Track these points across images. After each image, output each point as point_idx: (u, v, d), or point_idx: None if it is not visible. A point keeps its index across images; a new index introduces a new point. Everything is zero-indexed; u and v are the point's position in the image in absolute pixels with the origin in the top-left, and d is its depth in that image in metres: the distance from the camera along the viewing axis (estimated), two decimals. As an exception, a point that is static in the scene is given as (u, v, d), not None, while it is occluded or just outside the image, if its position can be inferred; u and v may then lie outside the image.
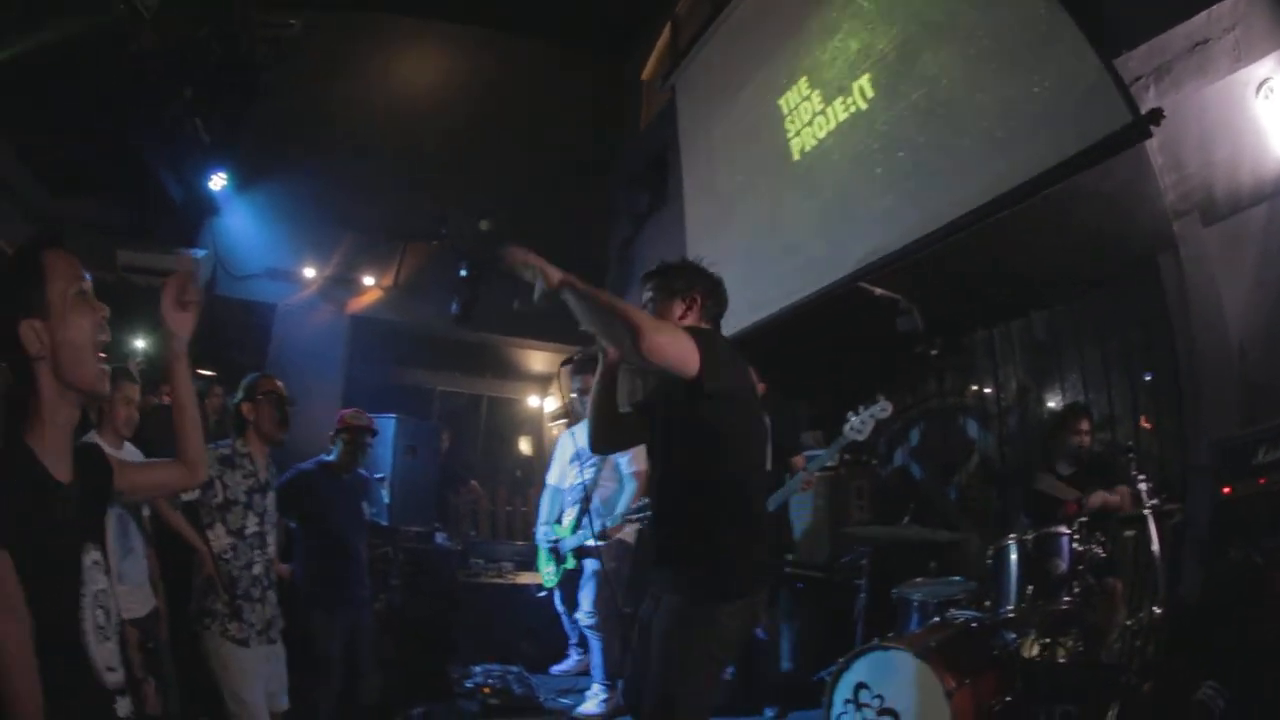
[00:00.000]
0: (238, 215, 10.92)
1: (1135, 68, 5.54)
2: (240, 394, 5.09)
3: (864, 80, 7.53)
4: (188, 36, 8.04)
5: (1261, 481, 4.98)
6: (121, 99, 7.98)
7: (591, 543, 7.34)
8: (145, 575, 5.37)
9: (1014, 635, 5.44)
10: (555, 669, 8.42)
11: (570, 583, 7.81)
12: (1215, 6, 5.09)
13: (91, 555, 2.26)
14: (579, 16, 12.46)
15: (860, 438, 6.05)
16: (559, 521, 7.93)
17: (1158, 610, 5.33)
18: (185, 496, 4.79)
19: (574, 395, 7.43)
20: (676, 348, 3.42)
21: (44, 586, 2.06)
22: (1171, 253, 6.53)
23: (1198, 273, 6.34)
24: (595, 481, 7.54)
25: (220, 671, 4.55)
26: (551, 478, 8.29)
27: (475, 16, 12.48)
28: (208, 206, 10.59)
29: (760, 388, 4.70)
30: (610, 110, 13.38)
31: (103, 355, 2.37)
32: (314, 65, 11.11)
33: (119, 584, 4.65)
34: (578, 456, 7.63)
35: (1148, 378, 7.13)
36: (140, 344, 9.68)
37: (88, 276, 2.38)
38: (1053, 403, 7.97)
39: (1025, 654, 5.45)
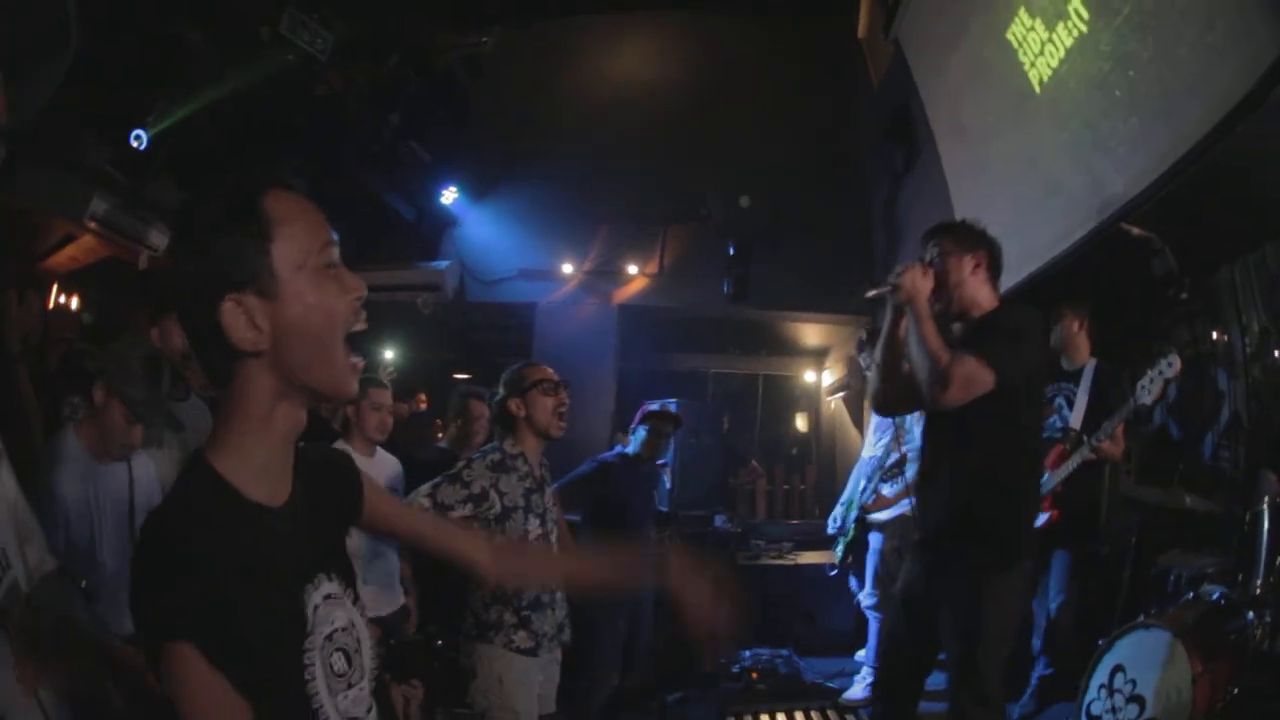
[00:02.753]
0: (478, 225, 11.38)
1: None
2: (502, 390, 4.73)
3: (1076, 2, 7.12)
4: (377, 70, 8.41)
5: None
6: (327, 137, 8.42)
7: (873, 515, 7.42)
8: (394, 576, 5.60)
9: (1253, 616, 4.95)
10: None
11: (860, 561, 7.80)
12: None
13: (322, 590, 1.74)
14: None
15: (1150, 400, 5.87)
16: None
17: None
18: (454, 515, 4.34)
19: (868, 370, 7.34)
20: (970, 388, 3.66)
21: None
22: None
23: None
24: (886, 451, 7.52)
25: (494, 683, 4.39)
26: (865, 451, 8.10)
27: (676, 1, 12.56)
28: (444, 220, 11.11)
29: None
30: (836, 73, 13.05)
31: (355, 356, 1.77)
32: (526, 72, 11.40)
33: (362, 586, 4.95)
34: (877, 427, 7.68)
35: None
36: (389, 354, 10.24)
37: (335, 236, 1.78)
38: None
39: (1259, 637, 4.95)
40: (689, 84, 12.06)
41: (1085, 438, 5.98)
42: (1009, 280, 7.54)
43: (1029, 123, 8.18)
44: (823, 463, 12.71)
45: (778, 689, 7.28)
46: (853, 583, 8.04)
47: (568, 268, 11.47)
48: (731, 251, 11.29)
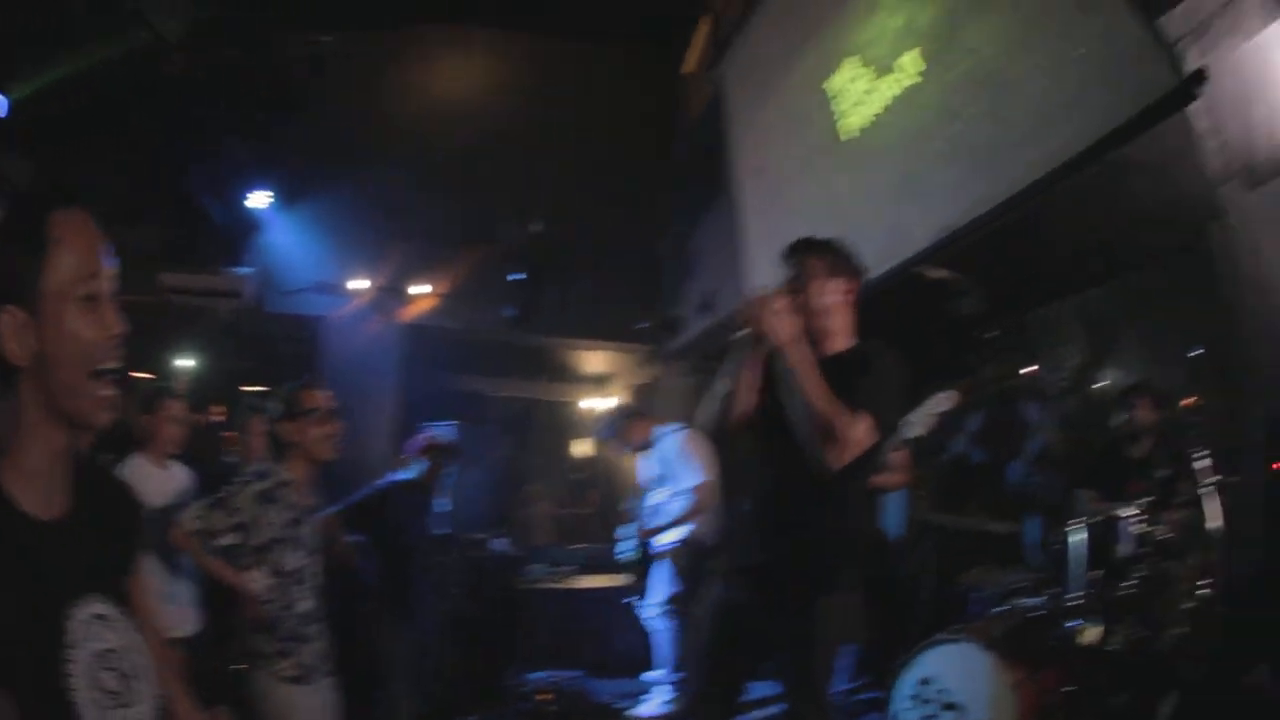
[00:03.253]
0: (282, 232, 10.99)
1: (1175, 28, 5.34)
2: (278, 410, 4.47)
3: (909, 56, 7.41)
4: (220, 59, 8.15)
5: None
6: (158, 125, 8.11)
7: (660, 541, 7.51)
8: (192, 596, 5.29)
9: (1078, 622, 5.21)
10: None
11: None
12: None
13: (90, 609, 1.69)
14: (616, 16, 12.35)
15: (919, 433, 5.97)
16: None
17: (1218, 589, 5.26)
18: (221, 542, 4.26)
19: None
20: (860, 450, 3.52)
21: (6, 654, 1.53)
22: (1219, 221, 6.38)
23: (1244, 240, 6.18)
24: (661, 479, 7.65)
25: (273, 713, 4.18)
26: (643, 477, 8.18)
27: (511, 22, 12.48)
28: (250, 225, 10.71)
29: None
30: (655, 107, 13.31)
31: (107, 381, 1.68)
32: (353, 80, 11.21)
33: (168, 605, 4.61)
34: (651, 456, 7.80)
35: (1198, 352, 6.89)
36: (187, 363, 9.80)
37: (110, 264, 1.69)
38: (1109, 381, 7.88)
39: (1083, 642, 5.21)
40: (507, 104, 12.09)
41: None
42: None
43: (834, 169, 8.46)
44: (604, 488, 12.63)
45: (567, 710, 7.27)
46: (636, 601, 8.00)
47: (359, 283, 11.24)
48: (519, 276, 11.19)
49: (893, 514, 7.64)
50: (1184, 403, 6.91)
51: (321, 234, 11.11)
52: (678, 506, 7.34)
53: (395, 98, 11.72)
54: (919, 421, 5.85)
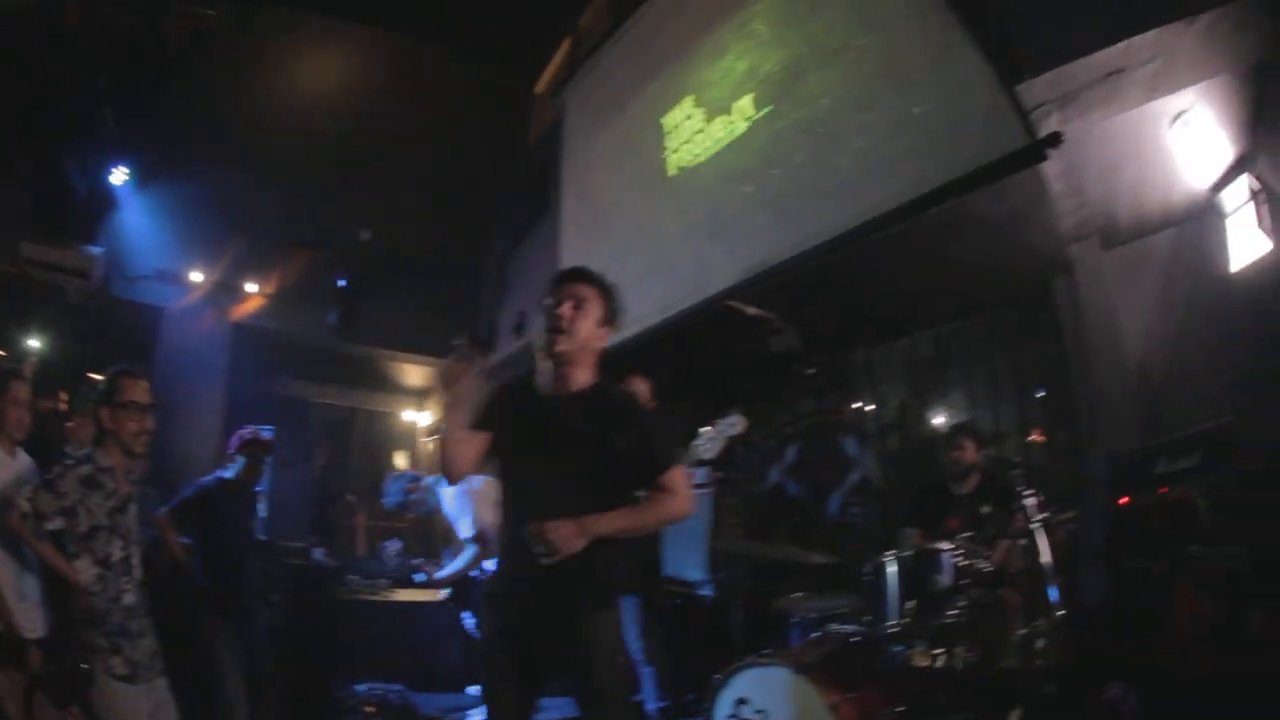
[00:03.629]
0: (134, 213, 10.70)
1: (1038, 94, 5.60)
2: (99, 398, 4.52)
3: (746, 100, 7.68)
4: (105, 19, 7.95)
5: (1163, 491, 5.23)
6: (38, 83, 7.87)
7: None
8: (41, 593, 4.95)
9: (902, 647, 5.41)
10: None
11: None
12: (1136, 37, 5.17)
13: None
14: (482, 26, 12.38)
15: (710, 455, 6.06)
16: None
17: (1058, 614, 5.55)
18: (50, 526, 4.19)
19: None
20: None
21: None
22: (1067, 276, 6.80)
23: (1095, 295, 6.62)
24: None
25: (107, 713, 4.12)
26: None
27: (381, 19, 12.38)
28: (109, 202, 10.40)
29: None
30: (502, 122, 13.40)
31: None
32: (222, 65, 10.98)
33: (19, 602, 4.44)
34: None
35: (1040, 394, 7.30)
36: (35, 343, 9.41)
37: None
38: (937, 420, 8.20)
39: (918, 664, 5.41)
40: (358, 106, 12.01)
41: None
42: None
43: (655, 203, 8.71)
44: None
45: None
46: (466, 618, 7.99)
47: (198, 276, 11.02)
48: (343, 284, 11.10)
49: (685, 536, 7.87)
50: (1029, 438, 7.35)
51: (169, 220, 10.83)
52: (460, 559, 7.39)
53: (254, 89, 11.53)
54: (708, 445, 5.76)
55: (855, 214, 6.39)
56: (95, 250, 10.12)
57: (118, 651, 4.17)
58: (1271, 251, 5.46)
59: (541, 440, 3.71)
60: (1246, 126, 5.65)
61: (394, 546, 8.07)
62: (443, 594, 8.22)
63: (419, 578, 8.05)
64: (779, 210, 7.14)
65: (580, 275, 3.99)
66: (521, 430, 3.75)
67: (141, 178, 10.48)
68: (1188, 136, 5.64)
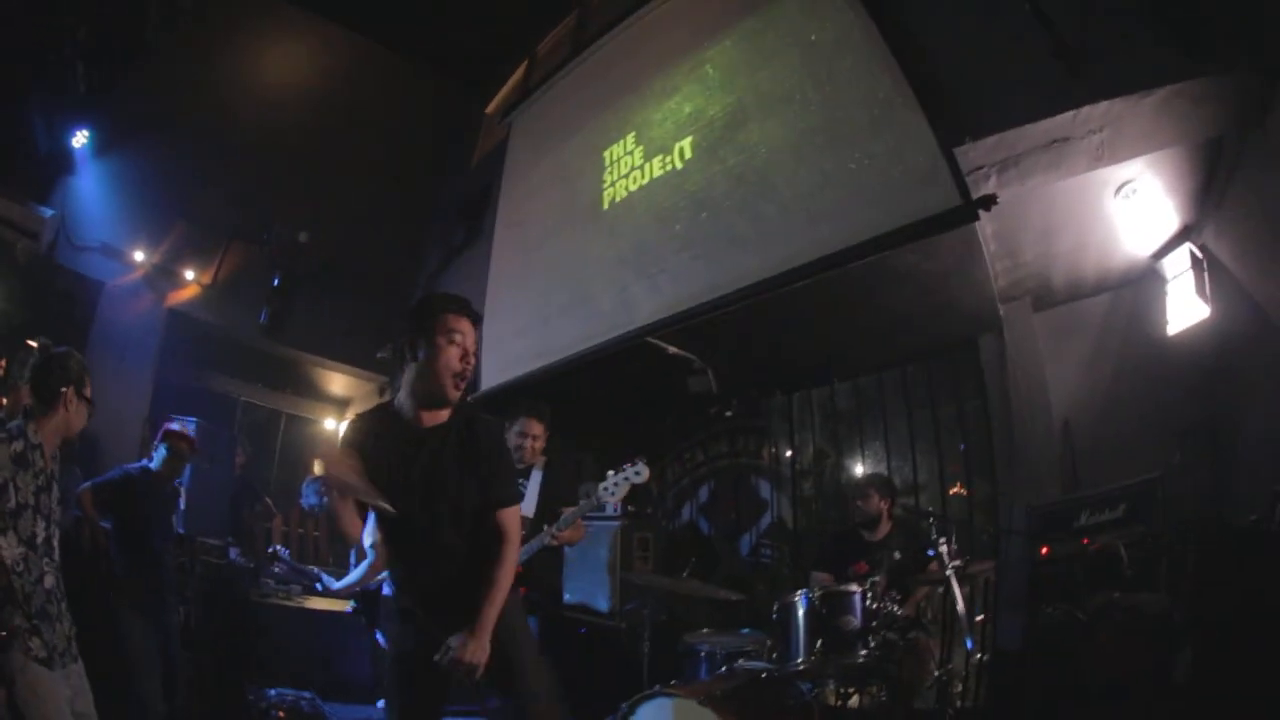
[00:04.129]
0: (89, 178, 10.48)
1: (977, 158, 5.69)
2: (65, 376, 4.40)
3: (686, 142, 7.82)
4: None
5: (1085, 541, 5.51)
6: (13, 31, 7.81)
7: None
8: None
9: (810, 685, 5.47)
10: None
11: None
12: (1086, 107, 5.25)
13: None
14: (445, 40, 12.56)
15: (612, 499, 6.12)
16: None
17: (978, 658, 5.67)
18: None
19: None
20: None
21: None
22: (995, 334, 7.02)
23: (1023, 354, 6.87)
24: None
25: (26, 696, 3.98)
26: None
27: (351, 17, 12.48)
28: (67, 163, 10.19)
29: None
30: (450, 138, 13.51)
31: None
32: (190, 43, 10.95)
33: None
34: None
35: (962, 447, 7.51)
36: None
37: None
38: (855, 468, 8.26)
39: (828, 702, 5.51)
40: (314, 103, 12.02)
41: (546, 526, 6.16)
42: (519, 368, 8.41)
43: (585, 234, 8.80)
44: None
45: None
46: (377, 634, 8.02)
47: (140, 255, 10.80)
48: (276, 282, 11.06)
49: (594, 567, 8.00)
50: (947, 489, 7.51)
51: (120, 193, 10.66)
52: (358, 569, 7.34)
53: (220, 69, 11.49)
54: (612, 489, 5.80)
55: (778, 262, 6.48)
56: (47, 212, 9.94)
57: (37, 634, 4.06)
58: (1210, 318, 5.73)
59: (415, 472, 3.76)
60: (1193, 197, 5.87)
61: (284, 552, 8.02)
62: (349, 608, 8.20)
63: (317, 587, 8.01)
64: (705, 252, 7.26)
65: (473, 315, 3.97)
66: (393, 460, 3.77)
67: (101, 144, 10.33)
68: (1132, 205, 5.83)
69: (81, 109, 9.71)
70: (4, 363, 8.01)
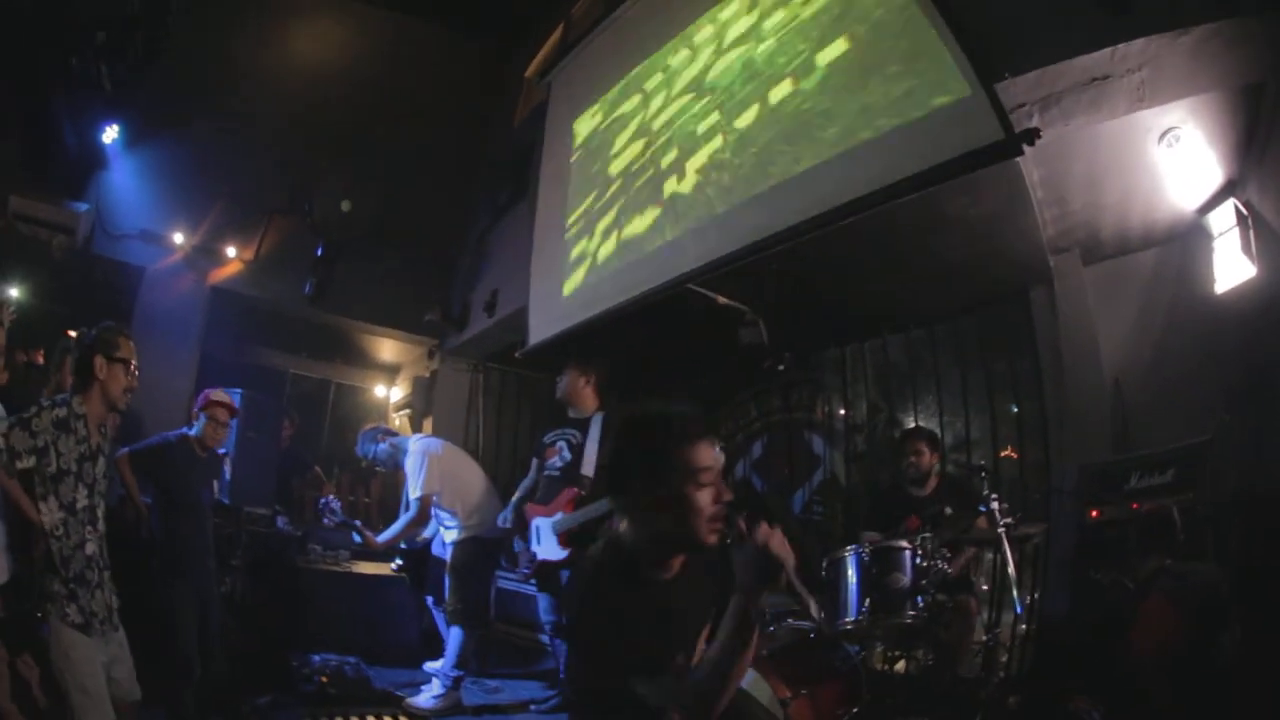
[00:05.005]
0: (122, 171, 10.51)
1: (1019, 94, 5.52)
2: (94, 345, 4.51)
3: (726, 85, 7.64)
4: None
5: (1135, 506, 5.29)
6: (35, 37, 7.84)
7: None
8: (3, 539, 4.88)
9: (858, 647, 5.35)
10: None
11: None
12: (1123, 45, 5.09)
13: None
14: (476, 6, 12.48)
15: None
16: None
17: (1022, 627, 5.53)
18: (21, 464, 4.17)
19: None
20: None
21: None
22: (1045, 286, 6.85)
23: (1073, 308, 6.66)
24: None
25: (62, 661, 4.08)
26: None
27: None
28: (98, 159, 10.21)
29: None
30: (490, 103, 13.42)
31: None
32: (216, 27, 10.96)
33: None
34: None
35: (1014, 409, 7.36)
36: (14, 293, 9.36)
37: None
38: (908, 425, 8.06)
39: (875, 665, 5.46)
40: (347, 77, 11.92)
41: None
42: (570, 319, 8.26)
43: (626, 185, 8.65)
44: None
45: (348, 694, 7.08)
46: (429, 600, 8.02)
47: (179, 237, 10.85)
48: (320, 252, 11.05)
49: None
50: (998, 448, 7.35)
51: (157, 180, 10.72)
52: (399, 521, 7.45)
53: (247, 52, 11.45)
54: None
55: (821, 202, 6.24)
56: (81, 207, 10.00)
57: (74, 599, 4.14)
58: (1256, 277, 5.49)
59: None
60: (1236, 150, 5.65)
61: (335, 504, 8.02)
62: (394, 565, 8.39)
63: (355, 538, 8.05)
64: (748, 195, 7.06)
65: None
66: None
67: (131, 137, 10.31)
68: (1176, 154, 5.60)
69: (109, 106, 9.67)
70: (42, 352, 8.11)
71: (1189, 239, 6.24)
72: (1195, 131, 5.50)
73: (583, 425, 6.89)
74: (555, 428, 7.10)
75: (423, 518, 7.29)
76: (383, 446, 7.72)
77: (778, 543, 2.65)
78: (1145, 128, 5.48)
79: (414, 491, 7.28)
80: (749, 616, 2.63)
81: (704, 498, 2.77)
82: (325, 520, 7.90)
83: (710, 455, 2.84)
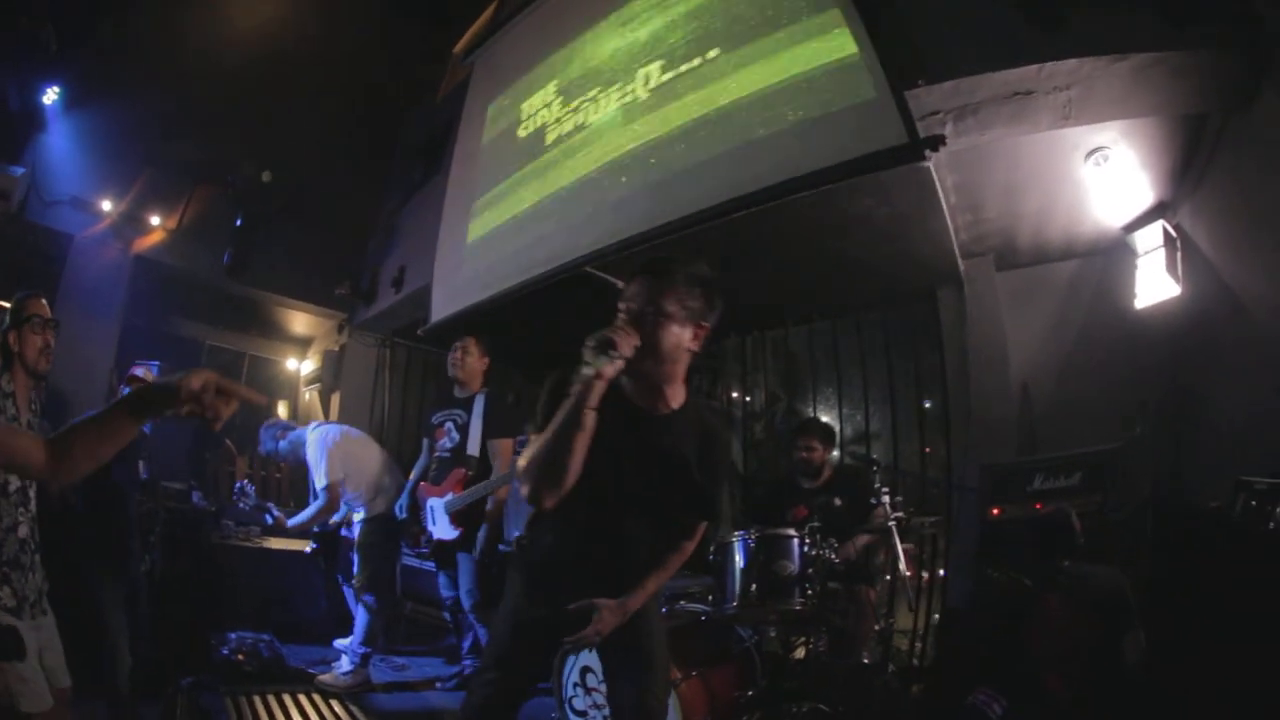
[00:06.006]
0: (59, 135, 10.42)
1: (933, 102, 5.57)
2: (6, 320, 4.43)
3: (641, 72, 7.75)
4: None
5: (1038, 506, 5.47)
6: None
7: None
8: None
9: (751, 632, 5.51)
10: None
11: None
12: (1052, 63, 5.14)
13: None
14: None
15: None
16: None
17: (934, 617, 5.76)
18: None
19: None
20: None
21: None
22: (954, 288, 7.02)
23: (983, 311, 6.86)
24: None
25: None
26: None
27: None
28: (37, 121, 10.15)
29: None
30: (415, 78, 13.40)
31: None
32: None
33: None
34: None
35: (927, 404, 7.54)
36: None
37: None
38: (807, 414, 8.26)
39: (772, 650, 5.57)
40: (276, 44, 11.74)
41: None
42: (466, 299, 8.51)
43: (533, 167, 8.81)
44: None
45: (263, 671, 7.12)
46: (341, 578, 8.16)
47: (107, 205, 10.73)
48: (239, 223, 11.09)
49: (524, 505, 8.07)
50: (898, 442, 7.54)
51: (91, 146, 10.59)
52: (309, 509, 7.49)
53: (185, 16, 11.27)
54: None
55: (722, 192, 6.37)
56: (18, 170, 9.87)
57: (7, 582, 3.98)
58: (1181, 296, 5.71)
59: (627, 453, 3.38)
60: (1170, 174, 5.83)
61: (250, 488, 8.13)
62: (308, 549, 8.37)
63: (267, 519, 8.13)
64: (650, 182, 7.22)
65: (668, 274, 3.47)
66: (613, 437, 3.30)
67: (70, 99, 10.29)
68: (1104, 172, 5.78)
69: (52, 66, 9.64)
70: None
71: (1111, 254, 6.43)
72: (1128, 152, 5.67)
73: (467, 404, 7.01)
74: (442, 408, 7.23)
75: (332, 505, 7.33)
76: (283, 444, 7.77)
77: None
78: (1072, 144, 5.65)
79: (319, 480, 7.35)
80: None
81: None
82: (240, 505, 7.96)
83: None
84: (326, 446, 7.42)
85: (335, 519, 7.74)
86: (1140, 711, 4.21)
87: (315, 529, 7.89)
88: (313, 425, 7.87)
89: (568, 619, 3.35)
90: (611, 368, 3.15)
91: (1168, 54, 5.01)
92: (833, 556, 5.37)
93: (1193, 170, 5.78)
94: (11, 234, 10.17)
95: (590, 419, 3.15)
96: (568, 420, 3.15)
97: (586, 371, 3.13)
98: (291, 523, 7.60)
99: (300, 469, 7.84)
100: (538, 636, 3.56)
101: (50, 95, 9.97)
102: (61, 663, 4.26)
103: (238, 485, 8.09)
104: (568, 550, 3.51)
